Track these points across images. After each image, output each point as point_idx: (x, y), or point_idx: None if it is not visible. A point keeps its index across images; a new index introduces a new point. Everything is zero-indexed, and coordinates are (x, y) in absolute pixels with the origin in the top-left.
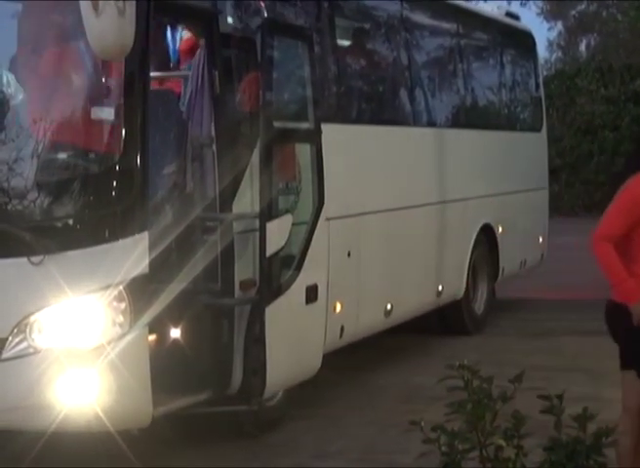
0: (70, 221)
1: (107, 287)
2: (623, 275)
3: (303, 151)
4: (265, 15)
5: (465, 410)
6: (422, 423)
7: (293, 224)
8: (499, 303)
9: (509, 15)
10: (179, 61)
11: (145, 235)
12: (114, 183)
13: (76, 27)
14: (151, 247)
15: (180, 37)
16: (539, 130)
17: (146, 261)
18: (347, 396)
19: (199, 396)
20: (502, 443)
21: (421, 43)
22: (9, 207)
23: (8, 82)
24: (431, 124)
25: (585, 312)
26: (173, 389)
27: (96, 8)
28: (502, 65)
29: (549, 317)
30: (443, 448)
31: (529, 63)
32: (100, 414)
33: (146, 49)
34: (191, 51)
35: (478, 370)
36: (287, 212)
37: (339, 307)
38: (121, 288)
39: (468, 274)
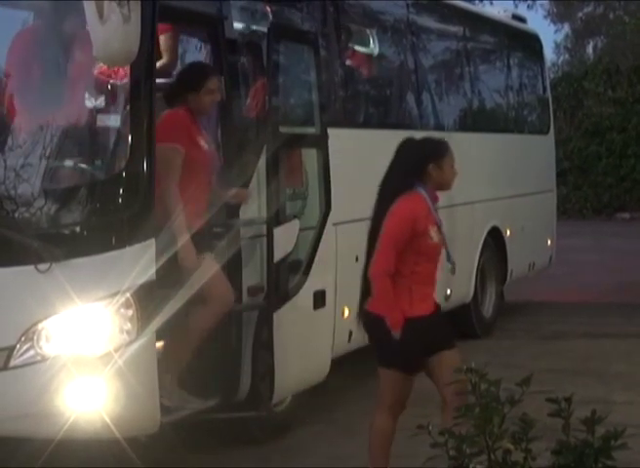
0: (77, 229)
1: (115, 294)
2: None
3: (310, 156)
4: (271, 19)
5: (473, 414)
6: (430, 427)
7: (300, 230)
8: (507, 306)
9: (516, 17)
10: None
11: (152, 242)
12: (121, 190)
13: (82, 34)
14: (158, 254)
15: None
16: (546, 132)
17: (154, 268)
18: (356, 400)
19: (207, 402)
20: (511, 446)
21: (428, 46)
22: (16, 214)
23: None
24: (438, 127)
25: (594, 315)
26: (181, 395)
27: (101, 14)
28: (509, 68)
29: (558, 320)
30: (451, 453)
31: (536, 66)
32: (108, 422)
33: (152, 55)
34: None
35: (486, 374)
36: (294, 217)
37: (347, 312)
38: (128, 295)
39: (477, 277)
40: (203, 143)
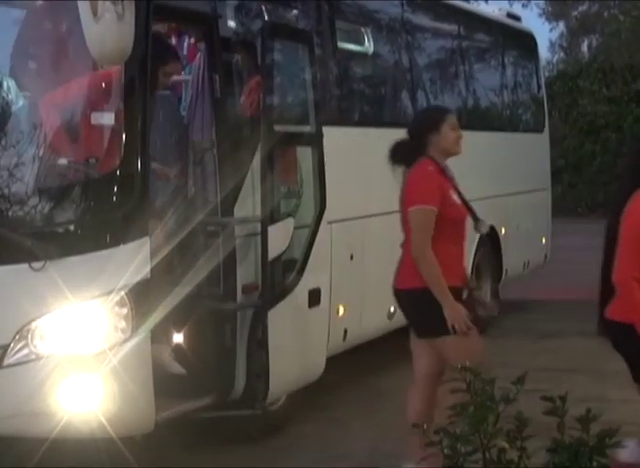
0: (72, 227)
1: (109, 292)
2: None
3: (305, 155)
4: (266, 18)
5: (468, 413)
6: (425, 426)
7: (295, 228)
8: (502, 305)
9: (510, 16)
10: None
11: (147, 240)
12: (115, 188)
13: (75, 32)
14: (153, 252)
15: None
16: (541, 131)
17: (148, 266)
18: (351, 399)
19: (202, 401)
20: (505, 445)
21: (423, 45)
22: (10, 213)
23: (8, 88)
24: None
25: (589, 313)
26: (176, 394)
27: (95, 12)
28: (504, 67)
29: (553, 318)
30: (445, 451)
31: (530, 64)
32: (103, 421)
33: (146, 53)
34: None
35: (480, 372)
36: (289, 215)
37: (341, 310)
38: (123, 293)
39: (471, 276)
40: (455, 198)
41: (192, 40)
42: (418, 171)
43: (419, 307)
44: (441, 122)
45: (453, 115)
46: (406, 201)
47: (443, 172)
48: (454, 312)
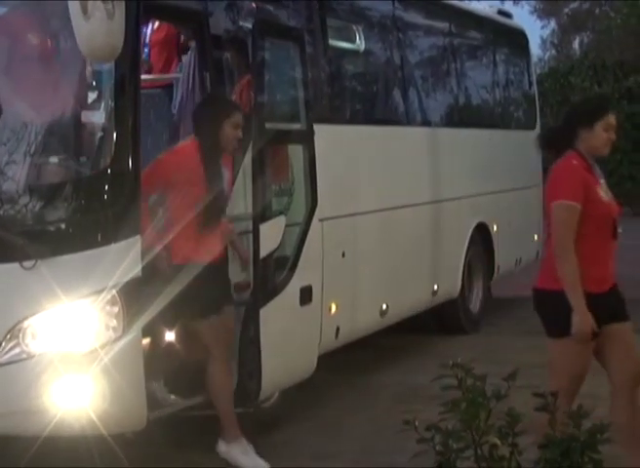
0: (62, 226)
1: (100, 291)
2: None
3: (296, 152)
4: (257, 16)
5: (460, 409)
6: (417, 423)
7: (286, 226)
8: (494, 302)
9: (501, 13)
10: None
11: (138, 238)
12: (106, 187)
13: (66, 30)
14: (144, 250)
15: (150, 29)
16: (532, 128)
17: (139, 265)
18: (344, 396)
19: (194, 399)
20: (497, 441)
21: (414, 42)
22: (0, 212)
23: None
24: (424, 123)
25: None
26: (167, 392)
27: (84, 10)
28: (495, 64)
29: None
30: (437, 448)
31: (522, 62)
32: (95, 419)
33: (136, 51)
34: (165, 41)
35: (471, 369)
36: (280, 213)
37: (334, 308)
38: (114, 292)
39: (464, 273)
40: (602, 194)
41: (155, 26)
42: (562, 164)
43: (546, 308)
44: (596, 120)
45: (612, 115)
46: (548, 194)
47: (589, 168)
48: (581, 319)
